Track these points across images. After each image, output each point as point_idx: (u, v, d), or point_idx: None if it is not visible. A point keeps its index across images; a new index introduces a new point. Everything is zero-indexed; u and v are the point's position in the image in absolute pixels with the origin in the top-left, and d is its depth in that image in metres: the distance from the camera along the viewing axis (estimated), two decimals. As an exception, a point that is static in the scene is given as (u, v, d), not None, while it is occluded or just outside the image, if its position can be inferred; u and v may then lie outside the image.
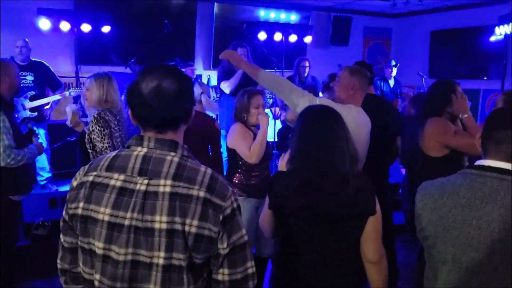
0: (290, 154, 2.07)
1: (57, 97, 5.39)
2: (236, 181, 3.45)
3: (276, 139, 6.12)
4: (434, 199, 1.60)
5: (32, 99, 5.19)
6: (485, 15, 7.75)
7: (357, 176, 1.98)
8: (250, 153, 3.33)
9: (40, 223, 4.47)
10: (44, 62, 5.57)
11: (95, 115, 3.35)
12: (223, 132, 4.89)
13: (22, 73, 5.19)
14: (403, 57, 9.18)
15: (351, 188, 1.94)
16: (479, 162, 1.60)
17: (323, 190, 1.93)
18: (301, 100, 2.79)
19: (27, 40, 5.39)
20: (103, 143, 3.30)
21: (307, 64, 6.42)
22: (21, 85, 5.17)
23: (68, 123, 3.66)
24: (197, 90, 3.85)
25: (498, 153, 1.55)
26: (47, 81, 5.52)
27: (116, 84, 3.56)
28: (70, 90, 5.66)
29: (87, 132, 3.37)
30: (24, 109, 5.13)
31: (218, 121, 5.94)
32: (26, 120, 4.52)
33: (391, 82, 7.45)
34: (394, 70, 7.42)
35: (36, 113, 5.20)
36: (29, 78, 5.33)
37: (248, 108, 3.41)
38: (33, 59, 5.46)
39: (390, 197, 3.91)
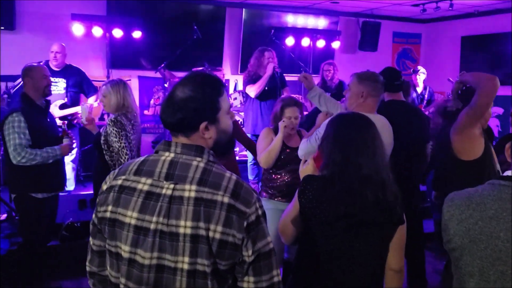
0: (325, 160, 2.04)
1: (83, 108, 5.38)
2: (266, 181, 3.52)
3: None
4: (461, 210, 1.56)
5: (62, 107, 5.24)
6: (518, 20, 7.60)
7: (393, 183, 2.00)
8: (259, 158, 3.42)
9: (69, 224, 4.57)
10: (79, 67, 5.65)
11: (112, 119, 3.50)
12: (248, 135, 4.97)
13: (54, 79, 5.27)
14: (433, 63, 9.06)
15: (390, 194, 1.95)
16: (508, 173, 1.56)
17: (366, 197, 1.93)
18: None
19: (63, 44, 5.48)
20: (120, 143, 3.45)
21: (330, 68, 6.39)
22: (53, 92, 5.32)
23: (83, 121, 3.80)
24: None
25: None
26: (79, 87, 5.57)
27: (130, 89, 3.68)
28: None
29: (103, 134, 3.52)
30: (54, 117, 5.20)
31: (243, 124, 6.00)
32: (62, 122, 4.62)
33: (419, 90, 7.33)
34: (420, 77, 7.28)
35: (66, 122, 5.13)
36: (61, 84, 5.39)
37: (279, 118, 3.43)
38: (68, 64, 5.55)
39: (420, 206, 3.87)
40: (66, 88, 5.41)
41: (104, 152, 3.51)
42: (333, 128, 2.08)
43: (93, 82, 5.94)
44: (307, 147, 2.98)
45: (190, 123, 1.50)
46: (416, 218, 3.71)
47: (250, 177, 5.91)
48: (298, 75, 7.31)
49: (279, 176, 3.44)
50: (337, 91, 6.26)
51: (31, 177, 3.46)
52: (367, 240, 1.97)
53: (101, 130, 3.62)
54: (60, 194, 3.86)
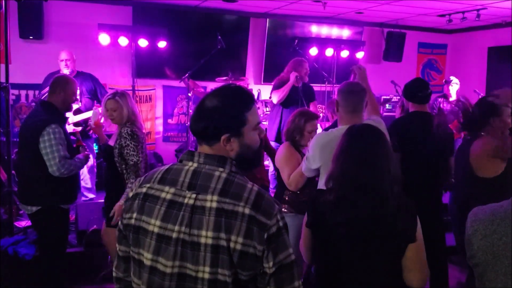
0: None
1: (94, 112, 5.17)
2: (286, 198, 3.43)
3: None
4: (485, 225, 1.55)
5: (76, 113, 5.25)
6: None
7: (398, 197, 1.96)
8: (289, 181, 3.30)
9: (93, 230, 4.62)
10: (91, 74, 5.70)
11: (129, 132, 3.49)
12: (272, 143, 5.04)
13: None
14: (459, 74, 8.90)
15: (390, 207, 1.92)
16: None
17: (359, 207, 1.93)
18: None
19: (71, 51, 5.55)
20: (138, 157, 3.46)
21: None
22: None
23: (91, 124, 3.82)
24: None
25: None
26: (93, 93, 5.60)
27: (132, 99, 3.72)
28: None
29: (117, 147, 3.51)
30: (68, 123, 5.22)
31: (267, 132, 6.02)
32: (76, 132, 4.65)
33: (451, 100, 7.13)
34: (452, 87, 7.04)
35: (80, 128, 5.25)
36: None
37: (302, 131, 3.41)
38: (80, 71, 5.61)
39: (443, 218, 3.80)
40: (80, 95, 5.43)
41: (118, 164, 3.52)
42: (341, 140, 2.11)
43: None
44: (306, 166, 3.01)
45: (212, 132, 1.51)
46: (439, 231, 3.65)
47: (270, 185, 5.89)
48: (322, 85, 7.37)
49: (308, 191, 3.36)
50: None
51: (65, 188, 3.48)
52: (371, 252, 1.95)
53: (111, 143, 3.64)
54: (84, 201, 3.91)
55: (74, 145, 3.69)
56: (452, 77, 7.21)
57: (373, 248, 1.95)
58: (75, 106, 5.26)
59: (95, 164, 5.83)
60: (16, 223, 4.84)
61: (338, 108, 2.94)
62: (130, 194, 1.57)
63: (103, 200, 5.40)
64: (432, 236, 2.92)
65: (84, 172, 5.59)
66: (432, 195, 3.59)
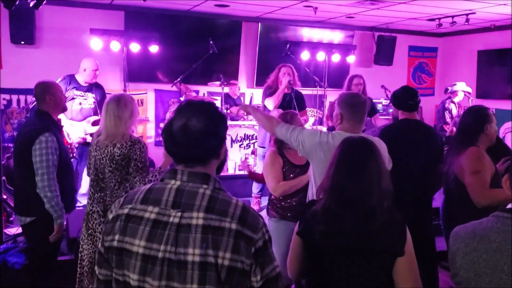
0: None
1: None
2: (274, 202, 3.45)
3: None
4: (466, 243, 1.56)
5: (94, 124, 5.23)
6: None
7: (387, 211, 1.95)
8: (275, 188, 3.32)
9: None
10: (101, 84, 5.70)
11: (139, 139, 3.25)
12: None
13: (83, 93, 5.35)
14: (450, 77, 9.01)
15: (377, 222, 1.91)
16: (511, 206, 1.55)
17: (343, 219, 1.93)
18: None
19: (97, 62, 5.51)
20: (143, 164, 3.22)
21: (361, 82, 5.95)
22: (83, 106, 5.36)
23: None
24: None
25: None
26: (101, 104, 5.58)
27: None
28: None
29: (118, 153, 3.17)
30: (86, 134, 5.23)
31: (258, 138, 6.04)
32: (70, 144, 4.56)
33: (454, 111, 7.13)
34: (459, 94, 7.07)
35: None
36: (90, 99, 5.41)
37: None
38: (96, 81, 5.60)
39: (432, 224, 3.83)
40: (97, 104, 5.40)
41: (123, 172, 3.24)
42: (335, 151, 2.12)
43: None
44: (285, 133, 2.96)
45: (205, 157, 1.54)
46: (429, 236, 3.68)
47: (254, 190, 5.90)
48: (314, 89, 7.39)
49: (292, 196, 3.38)
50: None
51: (61, 198, 3.36)
52: (360, 267, 1.94)
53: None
54: (77, 208, 3.88)
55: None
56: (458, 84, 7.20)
57: (359, 262, 1.94)
58: (95, 118, 5.27)
59: None
60: (5, 230, 4.80)
61: (342, 120, 2.92)
62: (110, 216, 1.55)
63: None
64: (422, 241, 2.96)
65: (84, 177, 5.58)
66: (423, 201, 3.63)
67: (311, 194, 2.97)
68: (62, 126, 3.71)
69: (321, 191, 2.07)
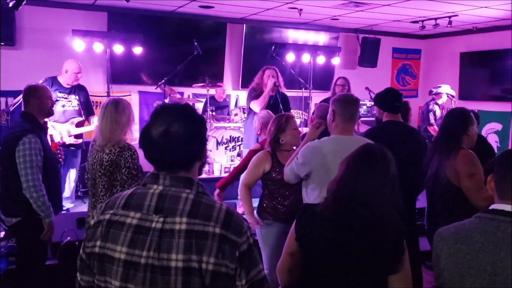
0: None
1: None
2: (265, 205, 3.45)
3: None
4: (449, 244, 1.57)
5: (78, 125, 5.19)
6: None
7: (392, 221, 1.91)
8: (243, 186, 3.51)
9: (67, 242, 4.54)
10: (85, 86, 5.62)
11: (129, 146, 3.18)
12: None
13: (67, 96, 5.29)
14: (433, 79, 9.10)
15: (382, 232, 1.87)
16: (493, 206, 1.55)
17: (347, 224, 1.89)
18: None
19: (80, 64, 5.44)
20: (137, 171, 3.16)
21: (345, 83, 6.07)
22: (67, 108, 5.30)
23: None
24: None
25: None
26: (85, 106, 5.51)
27: None
28: None
29: (115, 157, 3.13)
30: (70, 135, 5.17)
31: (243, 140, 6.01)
32: (59, 148, 4.53)
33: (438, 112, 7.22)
34: (443, 97, 7.14)
35: (81, 140, 5.19)
36: (74, 101, 5.36)
37: (284, 129, 3.41)
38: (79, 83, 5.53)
39: (416, 225, 3.85)
40: (80, 106, 5.36)
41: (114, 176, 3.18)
42: (352, 154, 2.06)
43: (94, 98, 5.95)
44: (291, 173, 3.03)
45: (188, 161, 1.51)
46: (412, 236, 3.70)
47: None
48: (299, 91, 7.39)
49: (283, 198, 3.40)
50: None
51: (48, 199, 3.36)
52: (356, 275, 1.91)
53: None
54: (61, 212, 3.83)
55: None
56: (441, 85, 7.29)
57: (358, 269, 1.91)
58: (79, 119, 5.24)
59: (77, 177, 5.73)
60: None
61: (335, 117, 2.95)
62: (92, 222, 1.51)
63: (78, 211, 5.36)
64: (406, 241, 2.96)
65: (71, 179, 5.52)
66: (407, 201, 3.63)
67: (305, 196, 3.00)
68: (47, 128, 3.67)
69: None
